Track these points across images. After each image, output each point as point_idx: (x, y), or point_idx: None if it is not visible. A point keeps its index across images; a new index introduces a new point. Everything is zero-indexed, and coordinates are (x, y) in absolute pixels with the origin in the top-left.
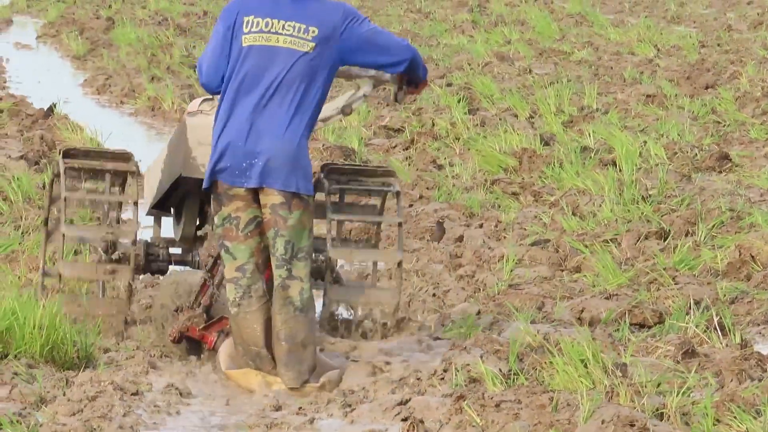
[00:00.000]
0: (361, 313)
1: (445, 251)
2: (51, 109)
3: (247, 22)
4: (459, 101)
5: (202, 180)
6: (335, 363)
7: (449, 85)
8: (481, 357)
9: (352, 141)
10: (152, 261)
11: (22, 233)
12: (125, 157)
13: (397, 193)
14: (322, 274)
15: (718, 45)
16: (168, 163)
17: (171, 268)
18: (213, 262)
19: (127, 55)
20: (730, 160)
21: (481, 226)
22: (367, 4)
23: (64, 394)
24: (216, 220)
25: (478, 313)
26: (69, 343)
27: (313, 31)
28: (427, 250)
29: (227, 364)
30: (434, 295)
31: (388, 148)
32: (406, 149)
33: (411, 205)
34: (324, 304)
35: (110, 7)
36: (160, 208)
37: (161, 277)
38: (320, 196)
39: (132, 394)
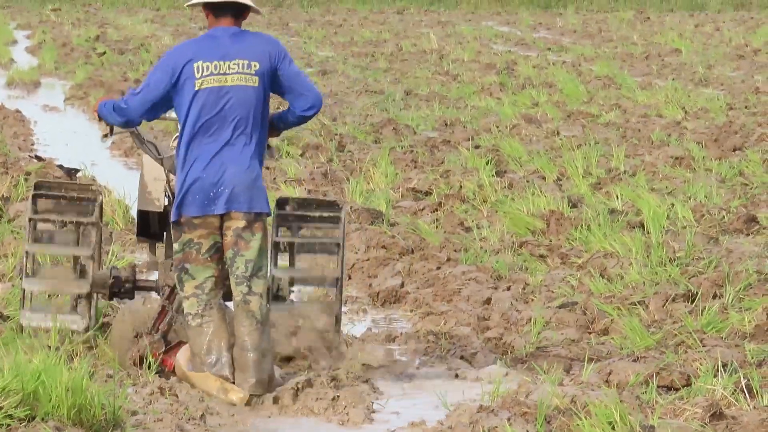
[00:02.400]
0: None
1: (472, 314)
2: (73, 171)
3: (198, 68)
4: (487, 163)
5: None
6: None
7: (477, 147)
8: (509, 419)
9: (380, 203)
10: (119, 287)
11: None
12: (91, 187)
13: (338, 218)
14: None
15: (746, 107)
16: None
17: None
18: (170, 290)
19: None
20: (758, 222)
21: (508, 288)
22: (395, 66)
23: None
24: (176, 246)
25: (506, 375)
26: (97, 406)
27: (255, 66)
28: (454, 312)
29: (188, 365)
30: (461, 357)
31: (416, 211)
32: (434, 211)
33: (439, 268)
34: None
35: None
36: (146, 236)
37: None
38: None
39: None
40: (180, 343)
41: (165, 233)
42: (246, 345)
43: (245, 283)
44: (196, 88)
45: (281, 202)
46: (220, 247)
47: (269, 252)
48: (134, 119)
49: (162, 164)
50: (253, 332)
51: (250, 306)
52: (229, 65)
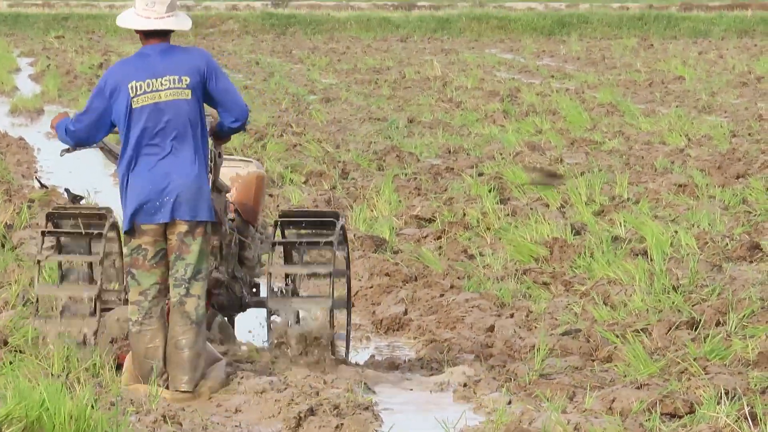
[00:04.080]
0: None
1: (476, 341)
2: (78, 198)
3: (132, 87)
4: (490, 191)
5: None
6: (218, 354)
7: (480, 174)
8: None
9: (383, 231)
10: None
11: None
12: (101, 213)
13: (340, 241)
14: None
15: (749, 134)
16: None
17: None
18: None
19: None
20: (761, 249)
21: (512, 315)
22: (398, 93)
23: None
24: (125, 250)
25: (509, 403)
26: None
27: (186, 80)
28: (457, 339)
29: (126, 379)
30: (465, 385)
31: (419, 238)
32: (438, 239)
33: (442, 295)
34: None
35: None
36: None
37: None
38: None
39: None
40: None
41: None
42: (180, 344)
43: (183, 286)
44: (133, 107)
45: (283, 214)
46: (165, 254)
47: (209, 255)
48: (85, 141)
49: None
50: (187, 332)
51: (186, 307)
52: (161, 82)
